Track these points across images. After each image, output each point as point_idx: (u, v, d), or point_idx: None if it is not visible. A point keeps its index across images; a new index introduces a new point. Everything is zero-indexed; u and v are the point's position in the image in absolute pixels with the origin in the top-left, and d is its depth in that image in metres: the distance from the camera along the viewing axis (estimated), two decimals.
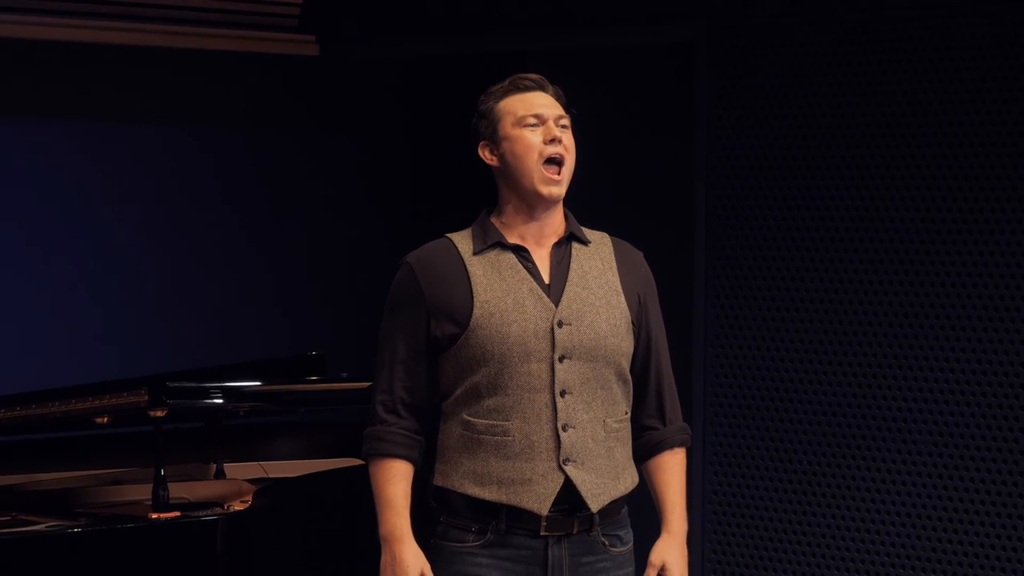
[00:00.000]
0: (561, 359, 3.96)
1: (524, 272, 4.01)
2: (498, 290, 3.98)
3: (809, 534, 6.56)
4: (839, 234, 6.45)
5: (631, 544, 4.13)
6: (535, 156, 4.01)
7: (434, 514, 4.03)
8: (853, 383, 6.43)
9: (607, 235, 4.17)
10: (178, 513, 4.51)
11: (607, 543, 4.05)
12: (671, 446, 4.16)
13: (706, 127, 6.77)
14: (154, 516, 4.48)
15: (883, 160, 6.33)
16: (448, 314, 3.98)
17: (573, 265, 4.04)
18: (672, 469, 4.16)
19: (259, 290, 8.22)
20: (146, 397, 4.75)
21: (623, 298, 4.06)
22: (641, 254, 4.19)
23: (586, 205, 6.97)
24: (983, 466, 6.13)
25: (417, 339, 4.02)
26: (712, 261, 6.76)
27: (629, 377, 4.08)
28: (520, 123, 4.04)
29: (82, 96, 7.78)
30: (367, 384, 5.26)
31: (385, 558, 3.98)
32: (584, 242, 4.09)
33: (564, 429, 3.95)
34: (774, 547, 6.66)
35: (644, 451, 4.15)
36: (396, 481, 3.99)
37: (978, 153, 6.12)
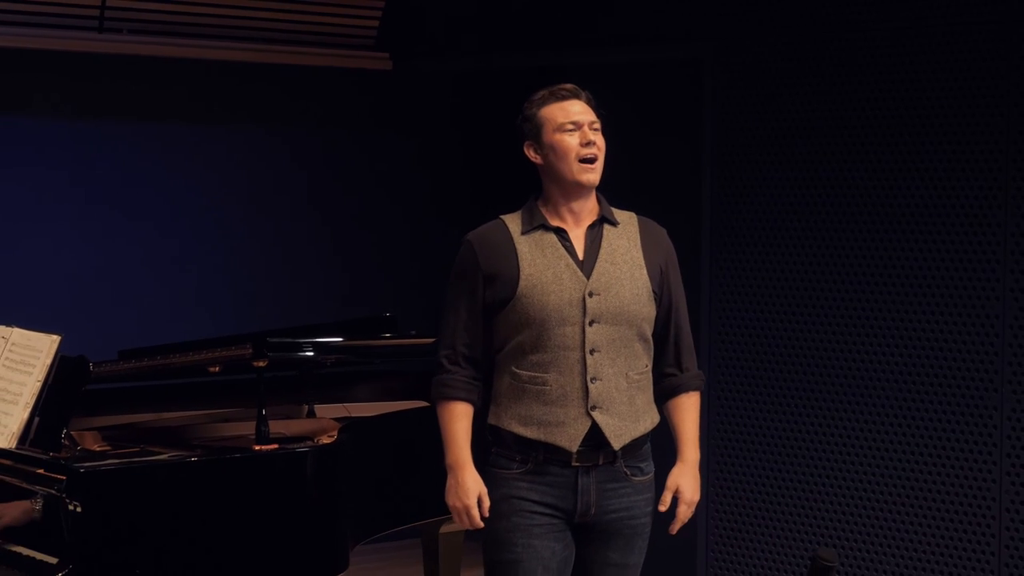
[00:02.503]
0: (591, 323, 4.00)
1: (562, 250, 4.04)
2: (540, 265, 4.01)
3: (800, 462, 6.57)
4: (824, 216, 6.45)
5: (651, 475, 4.16)
6: (573, 156, 4.04)
7: (488, 446, 4.09)
8: (835, 338, 6.44)
9: (635, 215, 4.19)
10: (277, 446, 4.52)
11: (629, 473, 4.08)
12: (687, 390, 4.19)
13: (712, 129, 6.77)
14: (257, 448, 4.50)
15: (865, 156, 6.33)
16: (499, 283, 4.02)
17: (604, 244, 4.07)
18: (687, 409, 4.19)
19: (339, 265, 8.26)
20: (250, 350, 4.77)
21: (645, 271, 4.08)
22: (664, 231, 4.21)
23: (613, 192, 7.00)
24: (937, 401, 6.15)
25: (474, 303, 4.06)
26: (716, 238, 6.76)
27: (649, 337, 4.11)
28: (560, 129, 4.07)
29: (193, 104, 7.83)
30: (431, 340, 5.30)
31: (450, 482, 4.04)
32: (614, 223, 4.11)
33: (592, 381, 3.99)
34: (770, 474, 6.67)
35: (664, 394, 4.19)
36: (459, 419, 4.05)
37: (949, 151, 6.12)
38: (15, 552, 4.22)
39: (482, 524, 4.04)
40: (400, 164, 8.39)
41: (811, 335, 6.49)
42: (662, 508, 4.15)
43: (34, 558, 4.14)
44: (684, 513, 4.16)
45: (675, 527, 4.16)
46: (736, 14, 6.67)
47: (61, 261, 7.43)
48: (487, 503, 4.03)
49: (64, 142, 7.44)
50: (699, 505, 6.82)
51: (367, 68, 8.04)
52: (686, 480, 4.15)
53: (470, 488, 4.02)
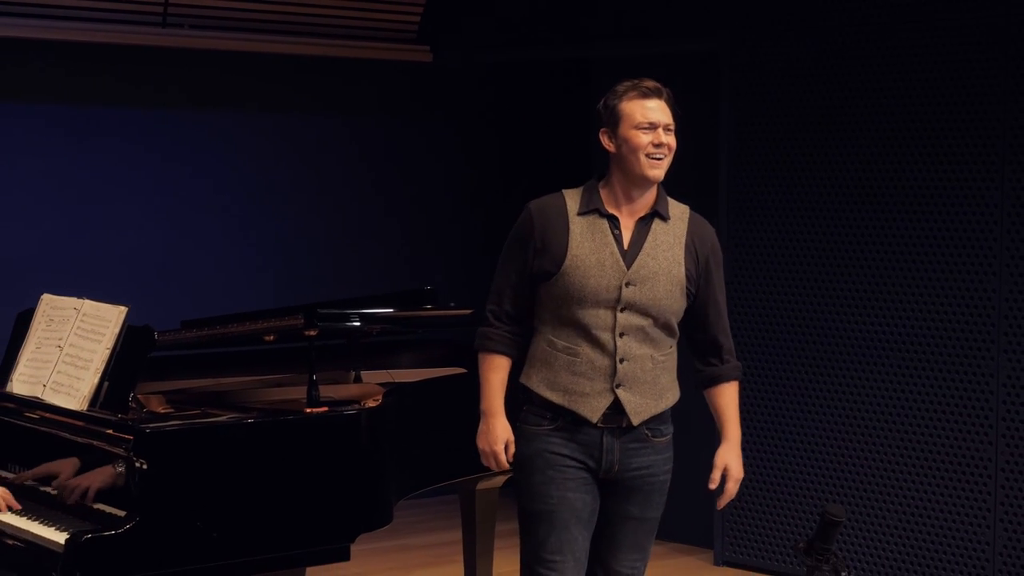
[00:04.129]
0: (623, 309, 3.98)
1: (611, 238, 4.00)
2: (587, 248, 3.98)
3: (811, 425, 6.56)
4: (833, 196, 6.44)
5: (671, 435, 4.15)
6: (642, 153, 3.98)
7: (520, 403, 4.10)
8: (843, 309, 6.42)
9: (688, 210, 4.14)
10: (326, 408, 4.52)
11: (650, 434, 4.07)
12: (726, 380, 4.19)
13: (728, 116, 6.77)
14: (308, 410, 4.50)
15: (872, 141, 6.32)
16: (548, 256, 4.00)
17: (649, 238, 4.02)
18: (728, 396, 4.19)
19: (385, 239, 8.28)
20: (302, 321, 4.77)
21: (683, 269, 4.03)
22: (713, 230, 4.16)
23: None
24: (939, 367, 6.12)
25: (524, 268, 4.04)
26: (733, 217, 6.76)
27: (676, 326, 4.08)
28: (637, 127, 3.99)
29: (248, 92, 7.85)
30: (468, 311, 5.28)
31: (482, 426, 4.08)
32: (665, 218, 4.06)
33: (621, 361, 3.98)
34: (783, 436, 6.65)
35: (705, 382, 4.18)
36: (496, 370, 4.07)
37: (951, 135, 6.10)
38: (86, 505, 4.22)
39: (507, 466, 4.08)
40: (439, 146, 8.40)
41: (821, 307, 6.48)
42: (712, 486, 4.16)
43: (103, 511, 4.15)
44: (732, 489, 4.17)
45: (723, 502, 4.19)
46: (749, 10, 6.66)
47: (129, 237, 7.46)
48: (512, 450, 4.07)
49: (131, 129, 7.46)
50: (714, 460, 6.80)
51: (409, 60, 8.05)
52: (732, 459, 4.16)
53: (499, 435, 4.05)
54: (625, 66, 7.34)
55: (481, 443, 4.08)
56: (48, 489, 4.38)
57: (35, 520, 4.21)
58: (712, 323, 4.13)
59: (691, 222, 4.11)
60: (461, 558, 5.76)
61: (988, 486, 5.99)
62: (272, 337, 4.95)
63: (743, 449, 6.64)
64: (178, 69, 7.54)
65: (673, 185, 7.28)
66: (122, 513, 4.06)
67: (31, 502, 4.36)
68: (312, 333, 4.78)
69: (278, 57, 7.71)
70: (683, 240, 4.06)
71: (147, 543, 3.98)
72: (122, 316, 4.47)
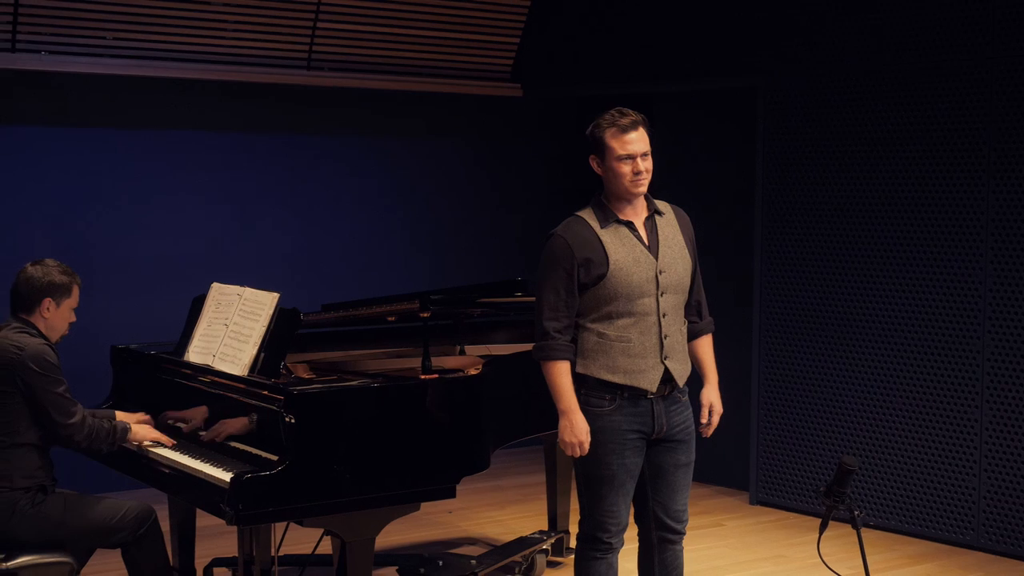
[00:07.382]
0: (662, 294, 4.00)
1: (635, 239, 4.02)
2: (622, 252, 3.99)
3: (830, 390, 6.52)
4: (849, 202, 6.39)
5: (687, 393, 4.17)
6: (627, 180, 3.99)
7: (576, 391, 4.02)
8: (858, 294, 6.37)
9: (668, 203, 4.17)
10: (437, 375, 4.54)
11: (681, 396, 4.11)
12: (705, 333, 4.23)
13: (764, 139, 6.73)
14: (423, 377, 4.52)
15: (882, 158, 6.26)
16: (592, 268, 3.97)
17: (659, 232, 4.06)
18: (708, 346, 4.23)
19: (485, 240, 8.29)
20: (417, 304, 4.79)
21: (687, 251, 4.09)
22: (687, 216, 4.19)
23: (688, 186, 6.95)
24: (936, 342, 6.06)
25: (571, 283, 3.99)
26: (767, 219, 6.72)
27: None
28: (618, 159, 3.99)
29: (377, 122, 7.88)
30: None
31: (563, 423, 3.99)
32: (661, 214, 4.09)
33: (665, 338, 4.00)
34: (807, 399, 6.61)
35: (689, 336, 4.18)
36: (566, 374, 4.00)
37: (948, 152, 6.03)
38: (245, 450, 4.29)
39: (587, 451, 4.00)
40: (527, 169, 8.41)
41: (842, 295, 6.44)
42: (703, 421, 4.17)
43: (260, 455, 4.21)
44: (715, 421, 4.19)
45: (709, 431, 4.20)
46: (782, 53, 6.62)
47: (280, 240, 7.54)
48: (589, 437, 4.00)
49: (281, 153, 7.53)
50: (750, 418, 6.79)
51: (504, 95, 8.06)
52: (715, 398, 4.18)
53: (583, 428, 3.97)
54: (683, 99, 7.33)
55: (568, 437, 3.97)
56: (215, 436, 4.46)
57: (206, 462, 4.28)
58: (697, 288, 4.18)
59: (676, 212, 4.16)
60: (545, 496, 5.78)
61: (975, 441, 5.93)
62: (393, 318, 4.97)
63: (769, 403, 6.69)
64: (320, 104, 7.60)
65: (720, 191, 7.24)
66: (275, 457, 4.12)
67: (195, 445, 4.45)
68: (426, 315, 4.80)
69: (398, 93, 7.75)
70: (678, 228, 4.11)
71: (294, 481, 4.03)
72: (275, 300, 4.53)
